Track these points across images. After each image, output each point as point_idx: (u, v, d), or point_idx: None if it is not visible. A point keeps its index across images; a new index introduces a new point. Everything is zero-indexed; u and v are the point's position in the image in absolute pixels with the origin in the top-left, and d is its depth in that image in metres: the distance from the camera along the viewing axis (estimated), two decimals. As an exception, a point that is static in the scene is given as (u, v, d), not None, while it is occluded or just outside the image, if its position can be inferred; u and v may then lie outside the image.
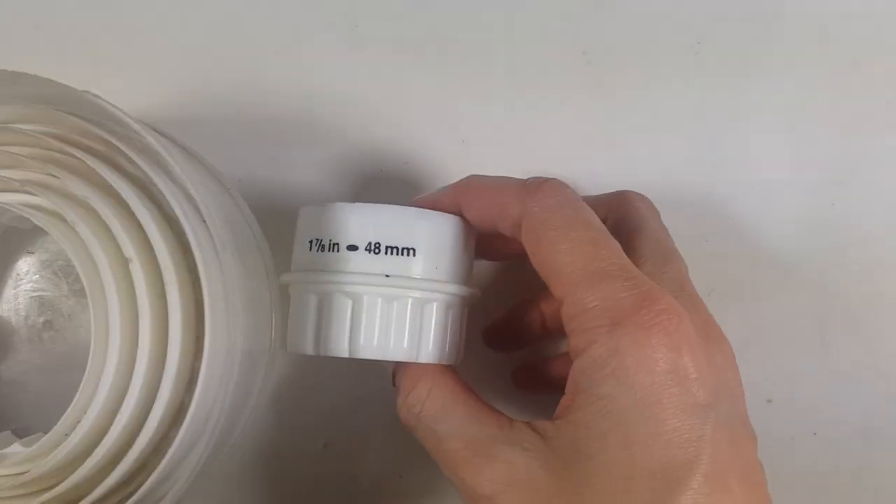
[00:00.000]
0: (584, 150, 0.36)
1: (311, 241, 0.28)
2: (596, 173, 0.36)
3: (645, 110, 0.36)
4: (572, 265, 0.26)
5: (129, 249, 0.25)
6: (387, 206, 0.28)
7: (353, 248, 0.28)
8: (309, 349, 0.28)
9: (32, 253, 0.34)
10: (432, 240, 0.29)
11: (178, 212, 0.24)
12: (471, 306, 0.30)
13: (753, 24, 0.36)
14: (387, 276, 0.28)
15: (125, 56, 0.36)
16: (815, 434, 0.35)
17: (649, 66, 0.36)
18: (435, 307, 0.28)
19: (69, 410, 0.25)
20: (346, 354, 0.28)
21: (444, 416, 0.27)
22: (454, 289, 0.29)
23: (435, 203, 0.30)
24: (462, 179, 0.30)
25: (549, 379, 0.33)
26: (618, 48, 0.36)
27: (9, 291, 0.34)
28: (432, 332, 0.29)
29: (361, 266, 0.28)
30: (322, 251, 0.28)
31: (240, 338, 0.25)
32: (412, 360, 0.28)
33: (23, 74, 0.25)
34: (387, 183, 0.36)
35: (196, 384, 0.23)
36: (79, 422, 0.24)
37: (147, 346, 0.24)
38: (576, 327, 0.26)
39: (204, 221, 0.25)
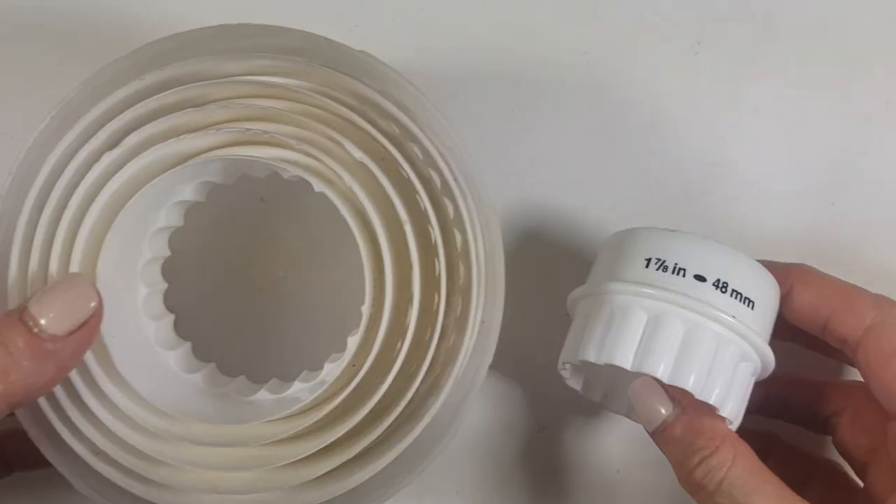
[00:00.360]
0: (583, 149, 0.36)
1: (649, 259, 0.28)
2: (596, 173, 0.36)
3: (644, 110, 0.36)
4: None
5: (403, 213, 0.25)
6: (737, 251, 0.28)
7: (700, 278, 0.28)
8: (626, 363, 0.27)
9: (265, 201, 0.33)
10: (768, 301, 0.29)
11: (448, 174, 0.26)
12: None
13: (753, 24, 0.36)
14: (733, 317, 0.27)
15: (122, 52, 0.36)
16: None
17: (649, 66, 0.36)
18: (750, 367, 0.28)
19: (356, 347, 0.26)
20: (664, 378, 0.27)
21: (753, 490, 0.26)
22: (768, 356, 0.29)
23: (767, 267, 0.30)
24: (798, 263, 0.30)
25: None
26: (618, 48, 0.36)
27: (243, 239, 0.33)
28: (742, 390, 0.28)
29: (710, 298, 0.27)
30: (664, 271, 0.28)
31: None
32: (717, 409, 0.27)
33: (276, 27, 0.26)
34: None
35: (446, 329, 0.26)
36: (368, 355, 0.26)
37: (417, 299, 0.26)
38: None
39: (456, 179, 0.26)
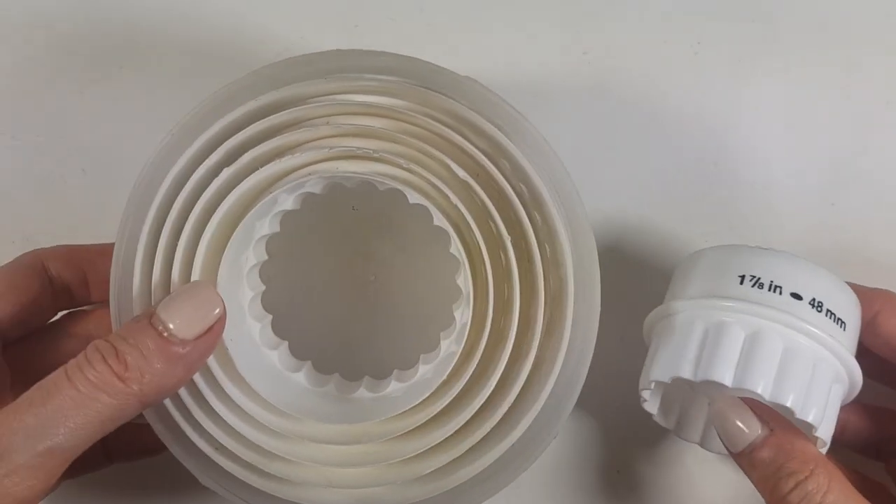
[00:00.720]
0: (583, 150, 0.36)
1: (743, 276, 0.28)
2: (596, 173, 0.36)
3: (645, 110, 0.36)
4: None
5: (501, 225, 0.27)
6: (830, 272, 0.28)
7: (797, 296, 0.27)
8: (726, 379, 0.27)
9: (357, 209, 0.35)
10: (856, 323, 0.29)
11: (545, 194, 0.27)
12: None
13: (753, 24, 0.36)
14: (832, 336, 0.27)
15: (122, 53, 0.36)
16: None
17: (649, 66, 0.36)
18: (841, 389, 0.28)
19: (459, 347, 0.28)
20: (765, 395, 0.27)
21: None
22: (858, 378, 0.29)
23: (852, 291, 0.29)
24: (882, 289, 0.30)
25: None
26: (618, 48, 0.36)
27: (334, 245, 0.35)
28: (834, 411, 0.28)
29: (808, 317, 0.27)
30: (759, 288, 0.28)
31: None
32: (815, 427, 0.27)
33: (376, 52, 0.28)
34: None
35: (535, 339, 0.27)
36: (471, 361, 0.27)
37: (517, 306, 0.27)
38: None
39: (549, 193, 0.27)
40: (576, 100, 0.36)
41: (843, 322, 0.28)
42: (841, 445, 0.32)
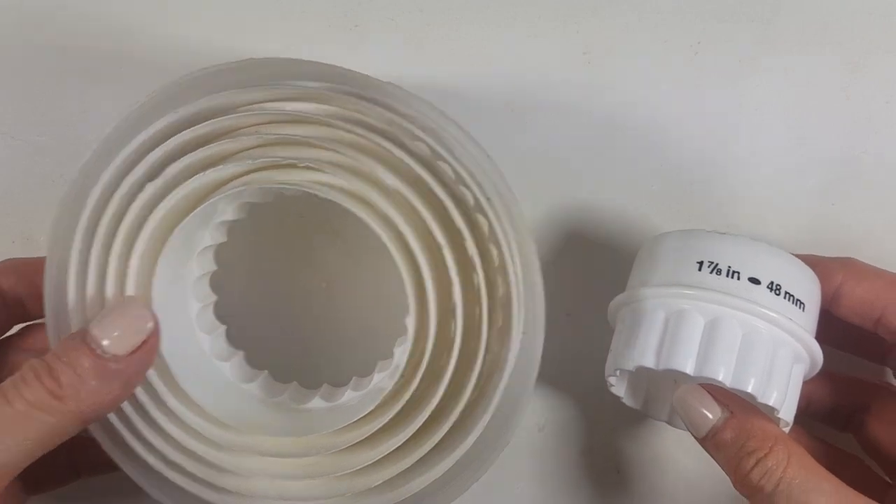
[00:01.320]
0: (584, 150, 0.36)
1: (701, 262, 0.28)
2: (596, 173, 0.36)
3: (644, 110, 0.36)
4: None
5: (438, 233, 0.26)
6: (788, 253, 0.29)
7: (755, 281, 0.28)
8: (687, 367, 0.27)
9: (303, 217, 0.35)
10: (815, 302, 0.29)
11: (478, 193, 0.27)
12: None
13: (753, 24, 0.36)
14: (790, 319, 0.27)
15: (121, 53, 0.36)
16: (815, 434, 0.35)
17: (649, 66, 0.36)
18: (802, 368, 0.29)
19: (405, 357, 0.27)
20: (726, 382, 0.27)
21: (812, 488, 0.26)
22: (819, 357, 0.29)
23: (815, 265, 0.30)
24: (843, 258, 0.31)
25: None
26: (618, 48, 0.36)
27: (284, 253, 0.35)
28: (796, 391, 0.28)
29: (766, 301, 0.27)
30: (718, 275, 0.28)
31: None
32: (776, 410, 0.27)
33: (302, 61, 0.27)
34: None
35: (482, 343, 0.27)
36: (418, 368, 0.27)
37: (460, 313, 0.27)
38: None
39: (488, 198, 0.27)
40: (576, 100, 0.36)
41: (801, 303, 0.28)
42: (808, 417, 0.33)
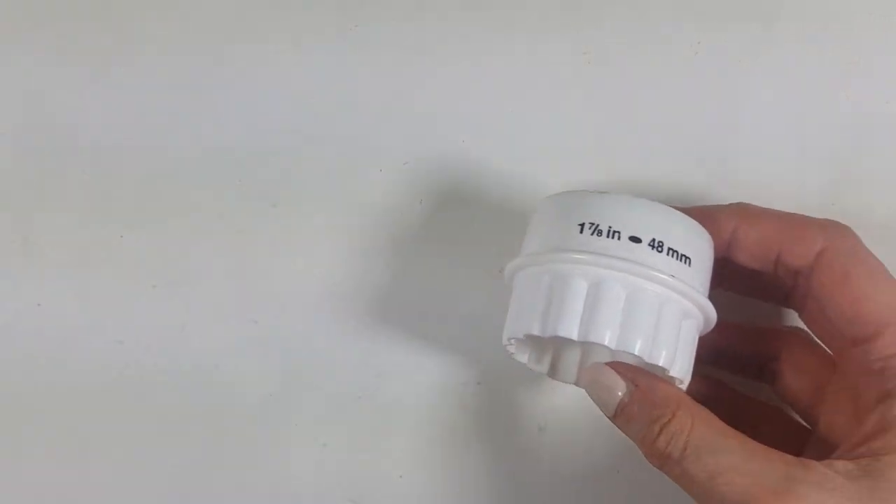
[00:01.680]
0: (584, 150, 0.36)
1: (583, 224, 0.27)
2: (596, 173, 0.36)
3: (645, 110, 0.36)
4: (892, 303, 0.27)
5: None
6: (671, 208, 0.28)
7: (636, 240, 0.27)
8: (571, 333, 0.27)
9: None
10: (703, 255, 0.28)
11: None
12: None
13: (753, 24, 0.36)
14: (672, 276, 0.27)
15: (122, 54, 0.36)
16: (815, 434, 0.35)
17: (649, 66, 0.36)
18: (693, 323, 0.28)
19: None
20: (611, 345, 0.27)
21: (720, 449, 0.26)
22: (708, 310, 0.28)
23: (709, 215, 0.29)
24: (735, 203, 0.30)
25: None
26: (618, 48, 0.36)
27: None
28: (689, 347, 0.28)
29: (647, 260, 0.27)
30: (598, 236, 0.27)
31: None
32: (667, 370, 0.27)
33: None
34: (386, 184, 0.36)
35: None
36: None
37: None
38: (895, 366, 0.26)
39: None
40: (576, 100, 0.36)
41: (687, 258, 0.28)
42: (723, 371, 0.33)
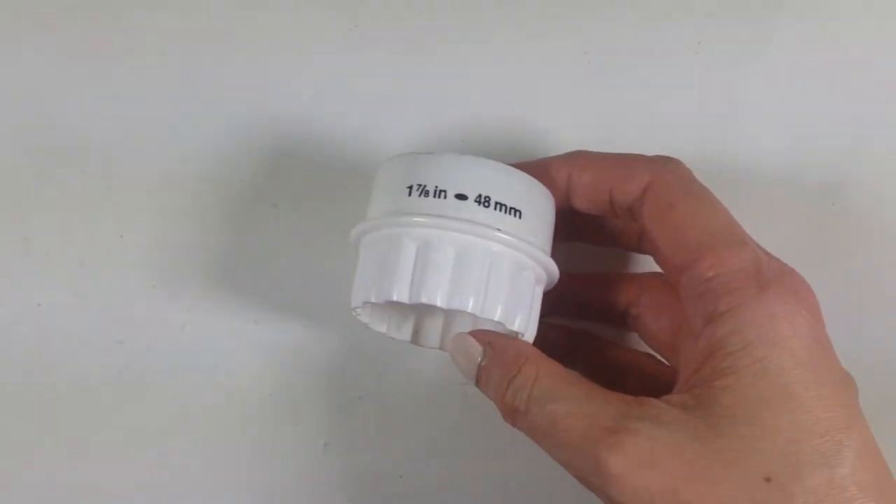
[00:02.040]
0: (584, 148, 0.36)
1: (411, 187, 0.27)
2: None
3: (645, 110, 0.36)
4: (711, 228, 0.27)
5: None
6: (498, 163, 0.28)
7: (462, 197, 0.27)
8: (403, 297, 0.27)
9: None
10: (537, 207, 0.28)
11: None
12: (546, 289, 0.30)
13: (753, 23, 0.36)
14: (499, 230, 0.27)
15: (122, 54, 0.36)
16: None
17: (649, 66, 0.36)
18: (530, 275, 0.28)
19: None
20: (443, 305, 0.27)
21: (562, 396, 0.26)
22: (545, 261, 0.28)
23: (544, 167, 0.30)
24: (568, 152, 0.30)
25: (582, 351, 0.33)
26: (618, 48, 0.36)
27: None
28: (528, 300, 0.28)
29: (473, 216, 0.27)
30: (425, 196, 0.27)
31: None
32: (504, 324, 0.27)
33: None
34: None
35: None
36: None
37: None
38: (715, 288, 0.26)
39: None
40: (576, 100, 0.36)
41: (517, 210, 0.27)
42: (588, 320, 0.33)
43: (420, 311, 0.32)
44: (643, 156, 0.29)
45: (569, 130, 0.36)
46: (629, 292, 0.32)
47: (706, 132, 0.36)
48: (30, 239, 0.35)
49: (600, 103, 0.36)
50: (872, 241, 0.36)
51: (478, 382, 0.28)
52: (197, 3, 0.36)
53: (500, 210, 0.27)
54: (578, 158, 0.30)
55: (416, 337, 0.32)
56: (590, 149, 0.36)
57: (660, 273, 0.31)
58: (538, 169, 0.29)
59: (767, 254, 0.27)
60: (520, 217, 0.27)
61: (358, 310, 0.29)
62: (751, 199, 0.36)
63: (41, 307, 0.35)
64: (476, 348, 0.28)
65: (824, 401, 0.24)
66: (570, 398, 0.26)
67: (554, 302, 0.31)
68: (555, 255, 0.29)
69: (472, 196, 0.27)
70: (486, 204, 0.27)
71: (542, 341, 0.29)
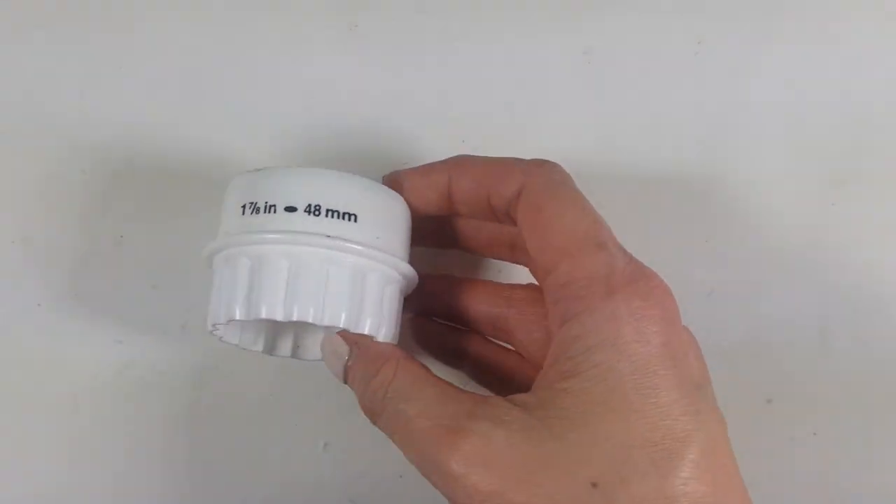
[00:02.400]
0: (584, 149, 0.36)
1: (244, 206, 0.27)
2: (596, 172, 0.36)
3: (645, 110, 0.36)
4: (573, 232, 0.26)
5: None
6: (327, 170, 0.28)
7: (291, 209, 0.27)
8: (237, 314, 0.27)
9: None
10: (378, 209, 0.28)
11: None
12: (406, 289, 0.30)
13: (753, 23, 0.36)
14: (328, 236, 0.27)
15: (122, 55, 0.36)
16: (815, 434, 0.35)
17: (649, 66, 0.36)
18: (375, 278, 0.28)
19: None
20: (283, 319, 0.27)
21: (414, 397, 0.26)
22: (393, 262, 0.28)
23: (426, 173, 0.30)
24: (453, 156, 0.30)
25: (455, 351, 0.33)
26: (618, 47, 0.36)
27: None
28: (372, 299, 0.28)
29: (303, 226, 0.27)
30: (256, 213, 0.27)
31: None
32: (349, 328, 0.27)
33: None
34: (387, 183, 0.36)
35: None
36: None
37: None
38: (568, 293, 0.26)
39: None
40: (576, 100, 0.36)
41: (351, 215, 0.27)
42: (481, 333, 0.33)
43: (290, 325, 0.32)
44: (520, 159, 0.29)
45: (569, 130, 0.36)
46: (502, 303, 0.32)
47: (706, 132, 0.36)
48: (30, 239, 0.35)
49: (600, 103, 0.36)
50: (872, 241, 0.36)
51: (346, 381, 0.29)
52: (197, 4, 0.36)
53: (332, 216, 0.27)
54: (458, 163, 0.30)
55: (268, 348, 0.32)
56: (590, 148, 0.36)
57: (532, 285, 0.31)
58: (420, 174, 0.30)
59: (629, 258, 0.26)
60: (355, 221, 0.27)
61: (215, 331, 0.29)
62: (750, 199, 0.36)
63: (41, 307, 0.35)
64: (343, 348, 0.28)
65: (663, 408, 0.24)
66: (421, 399, 0.26)
67: (438, 307, 0.32)
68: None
69: (301, 207, 0.27)
70: (317, 212, 0.27)
71: (428, 341, 0.29)
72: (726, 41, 0.36)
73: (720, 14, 0.36)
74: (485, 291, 0.32)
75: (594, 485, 0.23)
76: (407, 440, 0.26)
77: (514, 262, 0.32)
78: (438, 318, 0.33)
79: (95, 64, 0.36)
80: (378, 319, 0.28)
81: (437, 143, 0.36)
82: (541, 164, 0.29)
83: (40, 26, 0.36)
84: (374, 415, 0.27)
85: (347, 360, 0.28)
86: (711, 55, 0.36)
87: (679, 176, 0.36)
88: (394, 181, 0.30)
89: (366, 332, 0.28)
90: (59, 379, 0.35)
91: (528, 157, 0.36)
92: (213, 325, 0.28)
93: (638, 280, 0.25)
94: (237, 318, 0.27)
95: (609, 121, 0.36)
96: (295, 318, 0.27)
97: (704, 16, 0.36)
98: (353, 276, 0.27)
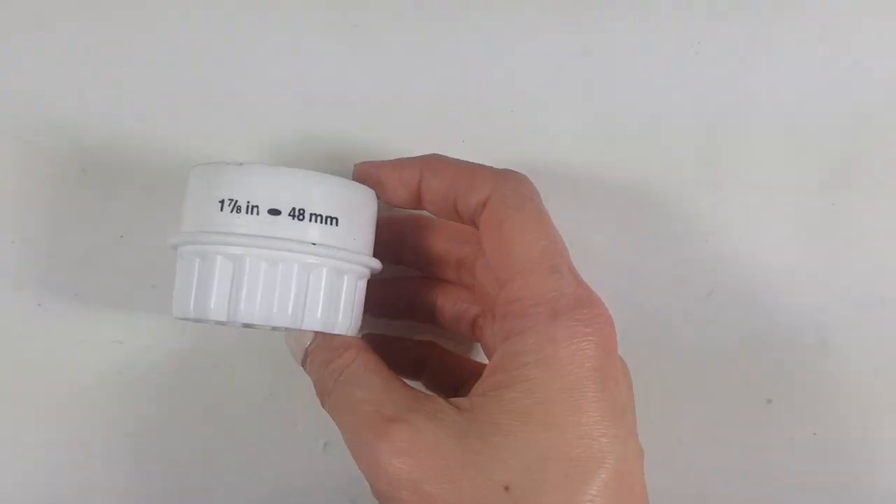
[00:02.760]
0: (584, 149, 0.36)
1: (223, 201, 0.27)
2: (595, 172, 0.36)
3: (645, 109, 0.36)
4: (530, 252, 0.27)
5: None
6: (312, 171, 0.28)
7: (275, 212, 0.27)
8: (220, 316, 0.27)
9: None
10: (356, 209, 0.29)
11: None
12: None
13: (753, 24, 0.36)
14: (314, 244, 0.27)
15: (121, 55, 0.36)
16: (815, 434, 0.35)
17: (649, 66, 0.36)
18: (352, 277, 0.28)
19: None
20: (261, 323, 0.27)
21: (364, 383, 0.28)
22: (366, 260, 0.29)
23: (398, 166, 0.30)
24: (425, 154, 0.31)
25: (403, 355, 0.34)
26: (618, 48, 0.36)
27: None
28: (349, 300, 0.29)
29: (287, 232, 0.27)
30: (238, 213, 0.27)
31: None
32: (328, 330, 0.28)
33: None
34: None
35: None
36: None
37: None
38: (515, 310, 0.27)
39: None
40: (575, 99, 0.36)
41: (333, 219, 0.27)
42: (450, 331, 0.33)
43: None
44: (490, 168, 0.30)
45: (568, 130, 0.36)
46: (473, 303, 0.33)
47: (706, 132, 0.36)
48: (30, 239, 0.35)
49: (600, 103, 0.36)
50: (872, 241, 0.36)
51: (303, 364, 0.30)
52: (197, 4, 0.36)
53: (316, 221, 0.27)
54: (431, 162, 0.30)
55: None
56: (589, 148, 0.36)
57: None
58: (392, 169, 0.30)
59: (578, 283, 0.27)
60: (337, 224, 0.28)
61: (182, 318, 0.29)
62: (750, 199, 0.36)
63: (41, 307, 0.35)
64: (308, 334, 0.29)
65: (585, 427, 0.25)
66: (370, 386, 0.28)
67: (405, 307, 0.33)
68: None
69: (285, 211, 0.27)
70: (301, 217, 0.27)
71: (388, 355, 0.29)
72: (726, 41, 0.36)
73: (720, 14, 0.36)
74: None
75: (506, 488, 0.25)
76: (348, 422, 0.27)
77: (458, 283, 0.33)
78: (406, 318, 0.34)
79: (95, 64, 0.36)
80: (349, 316, 0.29)
81: (437, 143, 0.36)
82: (509, 177, 0.29)
83: (40, 26, 0.36)
84: (324, 395, 0.29)
85: (309, 344, 0.29)
86: (711, 55, 0.36)
87: (679, 176, 0.36)
88: (366, 173, 0.31)
89: (337, 332, 0.28)
90: (59, 379, 0.35)
91: (527, 157, 0.36)
92: (182, 317, 0.28)
93: (583, 306, 0.26)
94: (212, 318, 0.27)
95: (608, 121, 0.36)
96: (273, 325, 0.27)
97: (704, 16, 0.36)
98: (331, 281, 0.28)
